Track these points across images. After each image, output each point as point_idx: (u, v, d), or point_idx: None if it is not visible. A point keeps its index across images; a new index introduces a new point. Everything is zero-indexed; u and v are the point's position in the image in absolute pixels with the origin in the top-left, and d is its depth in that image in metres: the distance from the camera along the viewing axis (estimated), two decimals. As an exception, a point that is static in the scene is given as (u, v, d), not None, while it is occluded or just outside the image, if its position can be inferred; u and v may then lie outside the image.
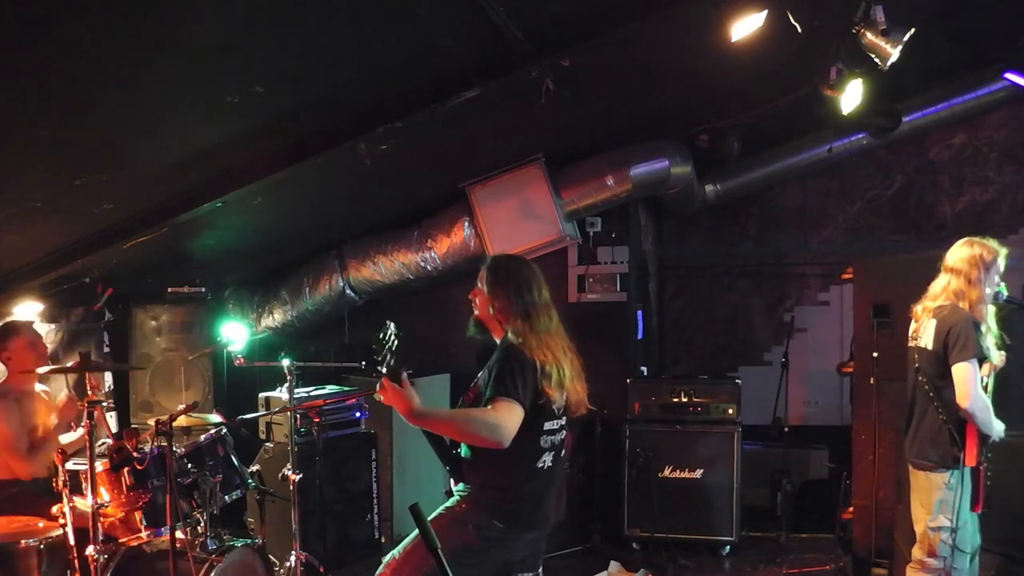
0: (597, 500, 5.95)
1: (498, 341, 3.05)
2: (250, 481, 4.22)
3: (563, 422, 3.02)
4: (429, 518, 2.90)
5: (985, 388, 3.68)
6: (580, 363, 3.05)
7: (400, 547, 2.97)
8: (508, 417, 2.76)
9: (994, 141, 6.63)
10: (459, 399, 3.11)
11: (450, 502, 2.98)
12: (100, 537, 3.47)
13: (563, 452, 3.06)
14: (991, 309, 3.71)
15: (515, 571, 2.99)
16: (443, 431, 2.94)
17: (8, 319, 4.79)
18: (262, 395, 5.35)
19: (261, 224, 5.59)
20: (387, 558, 2.99)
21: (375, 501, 5.43)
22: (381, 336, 2.81)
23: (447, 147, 5.21)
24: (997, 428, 3.62)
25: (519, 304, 2.98)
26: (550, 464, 2.98)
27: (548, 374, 2.89)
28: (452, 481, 3.05)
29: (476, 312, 3.11)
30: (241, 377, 5.77)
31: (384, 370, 2.80)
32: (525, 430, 2.83)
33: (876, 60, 4.16)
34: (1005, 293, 3.79)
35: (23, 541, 3.59)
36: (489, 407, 2.78)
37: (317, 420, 4.68)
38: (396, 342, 2.83)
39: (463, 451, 2.98)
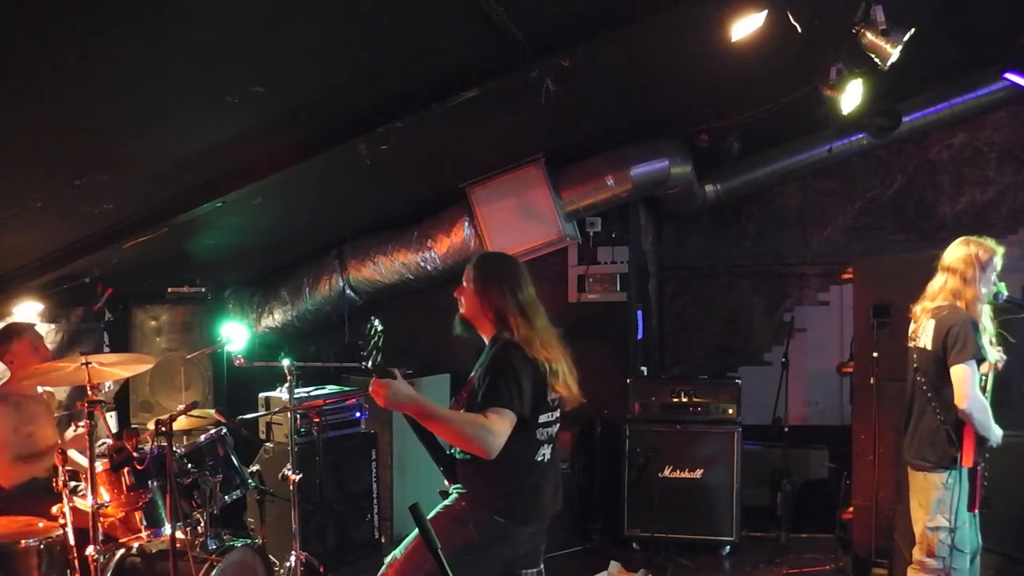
0: (597, 500, 5.95)
1: (486, 339, 3.02)
2: (250, 481, 4.22)
3: (558, 414, 3.01)
4: (428, 517, 2.91)
5: (984, 387, 3.67)
6: (572, 358, 3.04)
7: (402, 547, 2.96)
8: (500, 429, 2.74)
9: (994, 141, 6.63)
10: (451, 399, 3.05)
11: (448, 501, 2.96)
12: (100, 537, 3.46)
13: (557, 444, 3.04)
14: (987, 308, 3.71)
15: (517, 567, 2.98)
16: (434, 428, 2.83)
17: (9, 320, 4.79)
18: (262, 395, 5.35)
19: (261, 224, 5.60)
20: (389, 558, 2.97)
21: (375, 501, 5.43)
22: (366, 332, 2.76)
23: (447, 147, 5.21)
24: (996, 433, 3.59)
25: (515, 302, 2.96)
26: (548, 456, 2.97)
27: (555, 372, 2.90)
28: (446, 481, 3.04)
29: (462, 310, 3.07)
30: (241, 377, 5.77)
31: (370, 366, 2.74)
32: (522, 427, 2.82)
33: (876, 60, 4.16)
34: (1005, 293, 3.78)
35: (23, 541, 3.58)
36: (482, 416, 2.76)
37: (317, 420, 4.68)
38: (381, 339, 2.77)
39: (457, 452, 2.95)
